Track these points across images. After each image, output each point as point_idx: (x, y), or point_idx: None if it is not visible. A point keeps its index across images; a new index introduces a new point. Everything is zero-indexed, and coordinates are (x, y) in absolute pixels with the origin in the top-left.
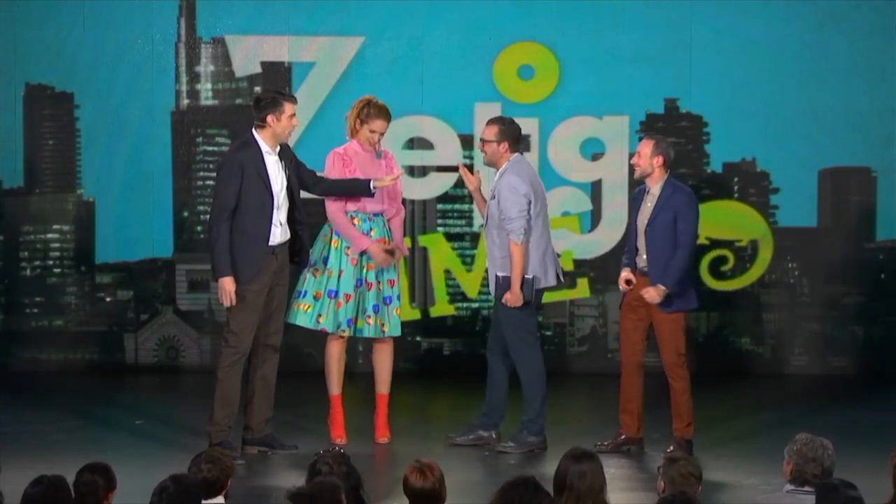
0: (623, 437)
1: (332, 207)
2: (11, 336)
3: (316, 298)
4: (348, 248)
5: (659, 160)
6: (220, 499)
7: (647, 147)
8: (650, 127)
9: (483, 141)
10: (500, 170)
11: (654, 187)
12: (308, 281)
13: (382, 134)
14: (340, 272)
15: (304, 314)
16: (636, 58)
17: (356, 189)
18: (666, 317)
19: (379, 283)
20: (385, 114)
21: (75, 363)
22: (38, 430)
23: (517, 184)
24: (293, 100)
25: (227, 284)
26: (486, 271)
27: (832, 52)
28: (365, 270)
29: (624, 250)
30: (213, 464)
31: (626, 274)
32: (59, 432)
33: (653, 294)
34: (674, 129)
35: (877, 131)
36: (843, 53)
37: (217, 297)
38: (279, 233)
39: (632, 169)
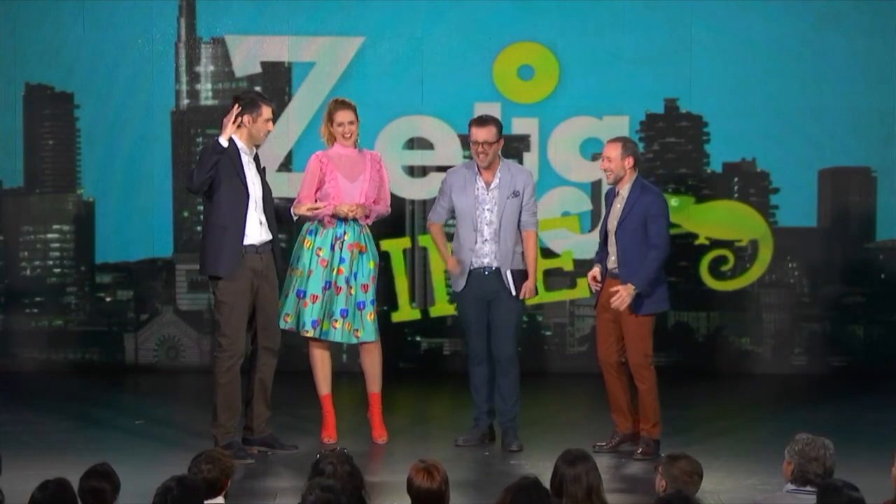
0: (620, 435)
1: (295, 207)
2: (11, 336)
3: (286, 297)
4: (320, 248)
5: (630, 161)
6: (220, 499)
7: (615, 150)
8: (650, 127)
9: (487, 143)
10: (501, 167)
11: (623, 188)
12: (286, 281)
13: (351, 123)
14: (310, 272)
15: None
16: (636, 58)
17: (281, 215)
18: (634, 319)
19: (350, 287)
20: (345, 104)
21: (75, 363)
22: (38, 430)
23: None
24: (271, 104)
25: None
26: (474, 274)
27: (832, 52)
28: (335, 273)
29: (596, 252)
30: (212, 464)
31: (594, 271)
32: (59, 432)
33: (623, 296)
34: (674, 129)
35: (877, 131)
36: (843, 53)
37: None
38: (261, 231)
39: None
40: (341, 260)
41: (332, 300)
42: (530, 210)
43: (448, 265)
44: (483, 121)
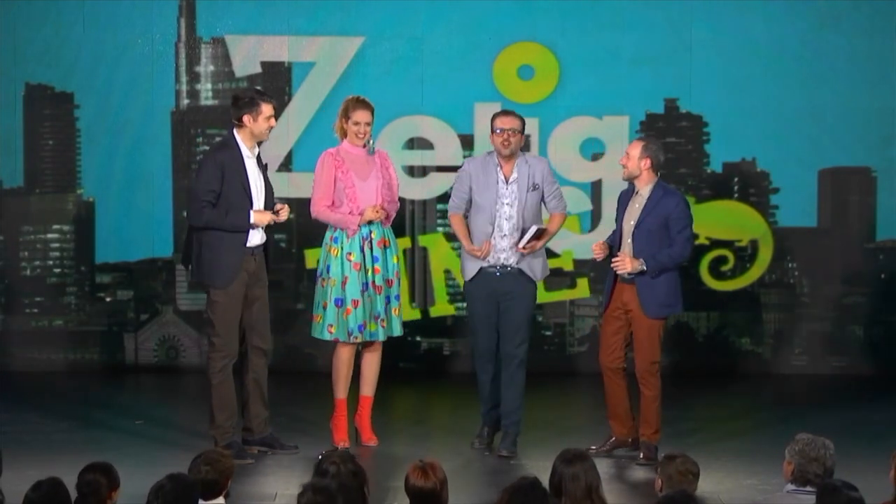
0: (614, 440)
1: (315, 209)
2: (11, 336)
3: (324, 308)
4: (350, 253)
5: (647, 162)
6: (221, 500)
7: (635, 149)
8: (650, 127)
9: (514, 131)
10: (519, 161)
11: (643, 189)
12: (318, 292)
13: (368, 124)
14: (345, 279)
15: (317, 325)
16: (636, 58)
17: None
18: (645, 322)
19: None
20: (365, 105)
21: (75, 363)
22: (38, 430)
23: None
24: (271, 101)
25: (259, 216)
26: (484, 271)
27: (832, 52)
28: (372, 274)
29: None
30: (212, 465)
31: (598, 243)
32: (59, 432)
33: (626, 263)
34: (674, 129)
35: (877, 131)
36: (843, 53)
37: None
38: (257, 235)
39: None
40: (374, 259)
41: (374, 300)
42: (556, 196)
43: (476, 251)
44: (507, 111)
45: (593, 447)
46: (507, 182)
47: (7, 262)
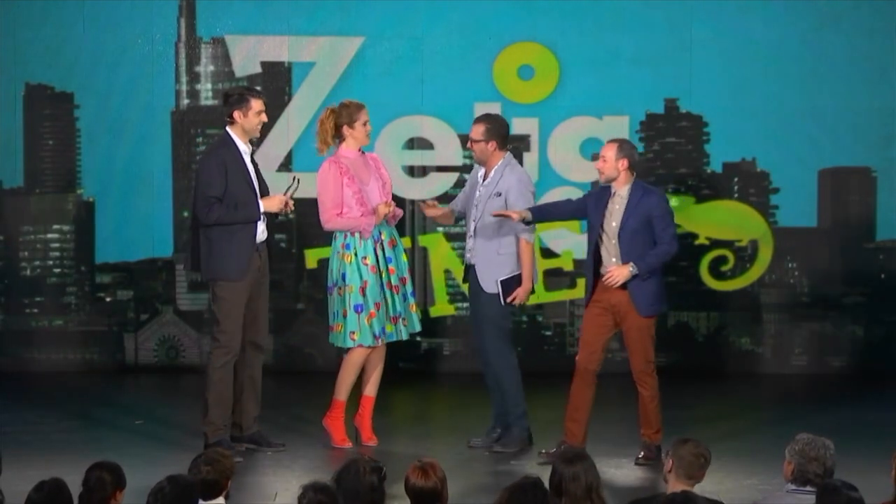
0: (566, 444)
1: (326, 219)
2: (11, 336)
3: (344, 317)
4: (365, 258)
5: (624, 163)
6: (221, 500)
7: (610, 150)
8: (650, 127)
9: (471, 140)
10: (498, 167)
11: (622, 190)
12: (335, 301)
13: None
14: (364, 284)
15: (338, 334)
16: (636, 58)
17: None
18: (636, 323)
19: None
20: (362, 104)
21: (75, 363)
22: (38, 430)
23: (528, 183)
24: (260, 96)
25: (269, 200)
26: (467, 269)
27: (832, 52)
28: (388, 274)
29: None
30: (212, 466)
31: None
32: (59, 432)
33: (616, 274)
34: (674, 129)
35: (877, 131)
36: (843, 53)
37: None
38: (262, 229)
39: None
40: (388, 260)
41: (392, 301)
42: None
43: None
44: (476, 119)
45: (542, 451)
46: (482, 184)
47: (7, 262)
